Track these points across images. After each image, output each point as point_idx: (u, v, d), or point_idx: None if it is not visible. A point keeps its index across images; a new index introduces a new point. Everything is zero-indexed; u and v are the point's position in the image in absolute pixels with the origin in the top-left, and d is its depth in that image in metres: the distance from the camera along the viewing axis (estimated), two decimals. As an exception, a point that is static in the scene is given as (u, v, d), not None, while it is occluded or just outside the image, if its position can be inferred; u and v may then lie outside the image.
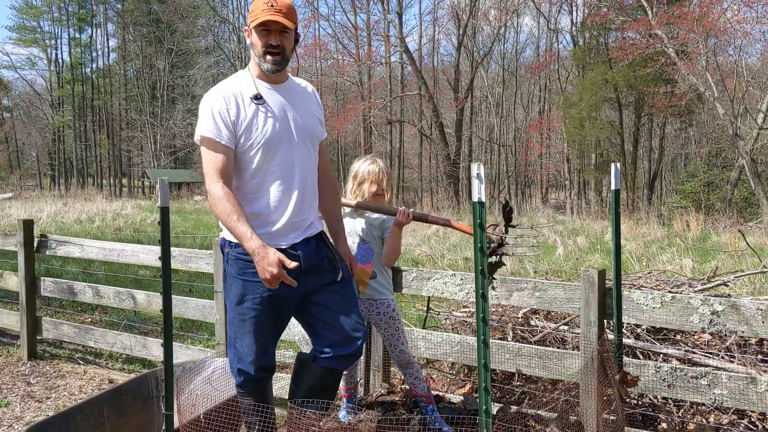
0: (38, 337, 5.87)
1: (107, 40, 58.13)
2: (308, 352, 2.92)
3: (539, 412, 3.60)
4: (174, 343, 5.35)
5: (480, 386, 1.99)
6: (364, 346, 2.87)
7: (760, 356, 3.91)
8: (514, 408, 3.64)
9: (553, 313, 4.51)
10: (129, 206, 26.34)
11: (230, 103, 2.73)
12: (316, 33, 41.97)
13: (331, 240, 3.05)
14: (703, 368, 3.43)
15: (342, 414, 3.32)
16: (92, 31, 57.51)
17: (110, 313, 7.16)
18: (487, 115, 46.32)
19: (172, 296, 5.31)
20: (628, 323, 3.69)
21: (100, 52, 58.76)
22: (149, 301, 5.28)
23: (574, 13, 35.66)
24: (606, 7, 31.22)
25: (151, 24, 51.02)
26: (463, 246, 14.01)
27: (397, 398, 3.57)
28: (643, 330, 4.17)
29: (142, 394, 3.39)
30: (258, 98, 2.75)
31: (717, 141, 32.72)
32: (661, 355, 4.01)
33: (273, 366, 2.89)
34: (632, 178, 30.61)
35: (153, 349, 5.24)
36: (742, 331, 3.20)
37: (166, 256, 2.58)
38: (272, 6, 2.70)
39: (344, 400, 3.45)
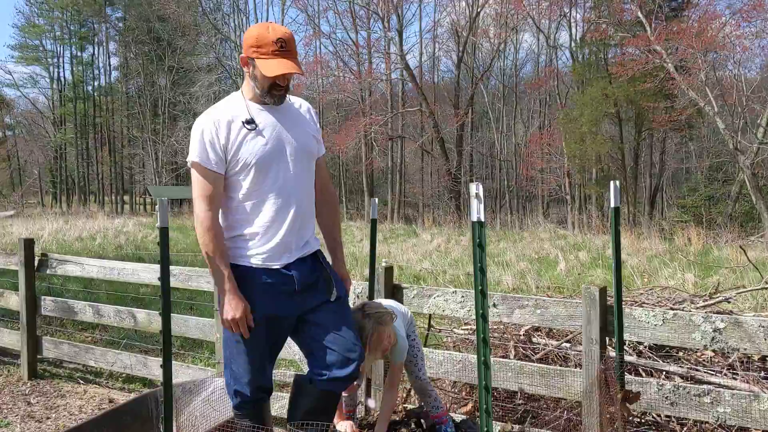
0: (38, 357, 5.85)
1: (109, 58, 58.37)
2: (305, 373, 2.90)
3: (542, 431, 3.58)
4: (174, 362, 5.34)
5: (481, 408, 1.98)
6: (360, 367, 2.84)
7: (763, 373, 3.89)
8: (516, 428, 3.62)
9: (555, 331, 4.49)
10: (130, 223, 26.33)
11: (220, 127, 2.73)
12: (317, 50, 42.19)
13: (330, 256, 3.05)
14: (706, 386, 3.42)
15: None
16: (94, 49, 57.78)
17: (110, 332, 7.14)
18: (488, 131, 46.44)
19: (173, 315, 5.31)
20: (630, 340, 3.68)
21: (101, 70, 58.94)
22: (150, 319, 5.27)
23: (573, 29, 35.83)
24: (605, 23, 31.38)
25: (152, 42, 51.23)
26: (465, 261, 14.00)
27: (397, 417, 3.55)
28: (645, 347, 4.15)
29: (141, 414, 3.37)
30: (250, 122, 2.75)
31: (717, 155, 32.76)
32: (664, 373, 3.99)
33: (270, 387, 2.87)
34: (633, 193, 30.60)
35: (153, 368, 5.22)
36: (745, 348, 3.19)
37: (165, 277, 2.57)
38: (282, 47, 2.67)
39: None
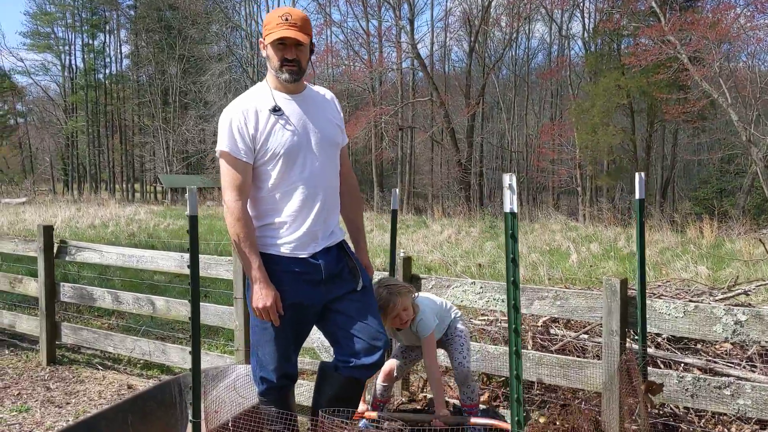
0: (57, 342, 5.91)
1: (120, 46, 58.58)
2: (330, 361, 2.93)
3: (564, 422, 3.60)
4: (188, 348, 5.39)
5: (512, 397, 1.99)
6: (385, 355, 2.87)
7: (782, 366, 3.89)
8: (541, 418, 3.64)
9: (573, 322, 4.50)
10: (142, 211, 26.47)
11: (249, 116, 2.76)
12: (328, 39, 42.14)
13: (352, 245, 3.07)
14: (726, 378, 3.42)
15: (362, 423, 3.33)
16: (105, 37, 58.01)
17: (126, 318, 7.20)
18: (498, 121, 46.30)
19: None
20: (649, 332, 3.67)
21: (112, 58, 59.17)
22: (168, 307, 5.30)
23: (586, 20, 35.61)
24: (618, 13, 31.17)
25: (163, 30, 51.33)
26: (476, 252, 14.01)
27: (418, 406, 3.57)
28: (664, 339, 4.15)
29: (165, 400, 3.41)
30: (276, 110, 2.77)
31: (730, 148, 32.57)
32: (682, 365, 4.00)
33: (295, 374, 2.91)
34: (645, 185, 30.45)
35: (172, 354, 5.27)
36: (766, 341, 3.19)
37: (194, 265, 2.60)
38: (287, 20, 2.73)
39: (371, 408, 3.45)
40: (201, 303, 5.31)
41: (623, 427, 3.32)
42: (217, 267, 5.03)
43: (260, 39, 2.84)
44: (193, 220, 2.52)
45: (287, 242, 2.79)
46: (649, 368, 3.54)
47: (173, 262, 5.23)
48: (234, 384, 3.45)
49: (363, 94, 41.41)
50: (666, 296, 4.49)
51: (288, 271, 2.77)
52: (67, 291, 5.86)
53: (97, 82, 57.31)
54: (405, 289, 3.29)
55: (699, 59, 26.54)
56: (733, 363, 3.90)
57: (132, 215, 23.98)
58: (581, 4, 35.41)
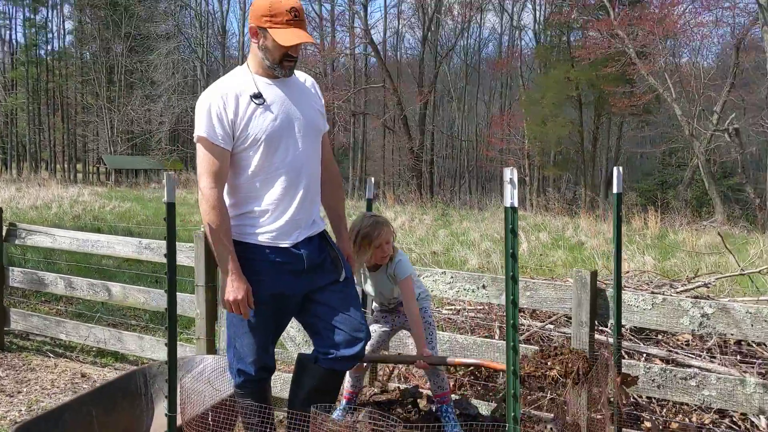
0: (5, 329, 5.69)
1: (63, 21, 56.53)
2: (308, 353, 2.87)
3: (536, 412, 3.63)
4: (147, 336, 5.26)
5: (508, 393, 1.98)
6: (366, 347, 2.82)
7: (739, 357, 4.02)
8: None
9: (537, 312, 4.55)
10: (86, 192, 25.72)
11: (228, 101, 2.65)
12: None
13: (334, 234, 3.01)
14: (692, 369, 3.50)
15: (336, 414, 3.28)
16: (48, 11, 55.90)
17: (75, 305, 6.97)
18: (449, 110, 46.55)
19: (151, 289, 5.20)
20: (613, 324, 3.73)
21: (55, 34, 57.13)
22: (125, 293, 5.15)
23: (537, 11, 36.03)
24: (569, 5, 31.63)
25: (109, 6, 49.72)
26: (430, 239, 14.08)
27: (392, 397, 3.55)
28: (627, 330, 4.24)
29: (130, 391, 3.31)
30: (258, 97, 2.67)
31: (673, 141, 33.49)
32: (644, 355, 4.09)
33: (273, 366, 2.84)
34: (591, 176, 31.14)
35: (128, 342, 5.12)
36: (732, 334, 3.27)
37: (171, 254, 2.51)
38: (296, 17, 2.62)
39: (343, 401, 3.39)
40: (157, 290, 5.19)
41: (591, 417, 3.37)
42: (177, 253, 4.89)
43: (254, 25, 2.67)
44: (171, 207, 2.43)
45: (268, 231, 2.70)
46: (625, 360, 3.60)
47: (131, 247, 5.07)
48: (204, 375, 3.37)
49: (315, 79, 41.01)
50: (629, 288, 4.58)
51: (269, 260, 2.69)
52: (17, 276, 5.64)
53: (38, 59, 55.23)
54: (385, 222, 3.22)
55: (646, 54, 27.20)
56: (693, 354, 4.01)
57: (75, 196, 23.26)
58: (533, -4, 35.82)
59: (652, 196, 30.61)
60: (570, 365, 2.59)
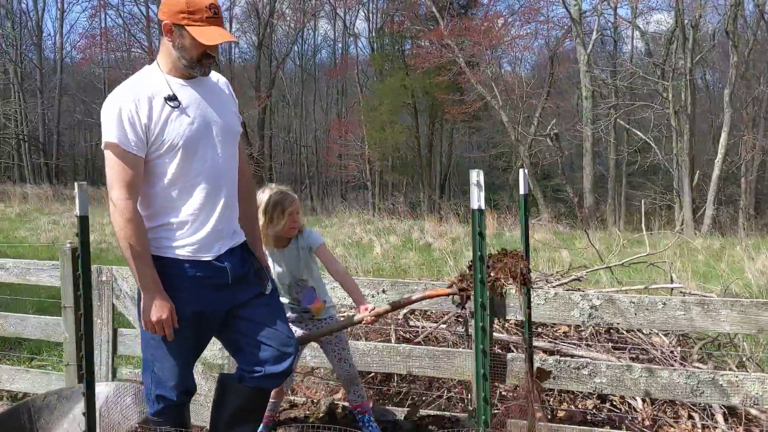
0: None
1: None
2: (229, 372, 2.73)
3: (453, 413, 3.71)
4: (4, 366, 4.74)
5: (478, 396, 2.02)
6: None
7: (610, 344, 4.36)
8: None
9: (428, 313, 4.65)
10: None
11: (140, 104, 2.47)
12: (102, 23, 39.24)
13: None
14: (584, 359, 3.75)
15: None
16: None
17: None
18: (287, 116, 46.29)
19: (7, 314, 4.70)
20: (508, 319, 3.91)
21: None
22: (-20, 320, 4.60)
23: (372, 19, 36.86)
24: (401, 15, 32.71)
25: None
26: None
27: (308, 412, 3.47)
28: (512, 324, 4.45)
29: (14, 428, 2.97)
30: (172, 99, 2.51)
31: (501, 146, 35.63)
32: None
33: (194, 388, 2.66)
34: (428, 180, 32.35)
35: (-13, 374, 4.59)
36: (618, 323, 3.55)
37: (86, 274, 2.27)
38: (215, 14, 2.49)
39: (261, 426, 3.23)
40: (15, 314, 4.70)
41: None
42: (38, 273, 4.46)
43: (168, 22, 2.49)
44: (84, 221, 2.20)
45: (188, 244, 2.53)
46: (513, 353, 3.78)
47: (-15, 268, 4.55)
48: (98, 404, 3.09)
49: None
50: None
51: (188, 275, 2.51)
52: None
53: None
54: (293, 195, 3.22)
55: (474, 64, 28.77)
56: (573, 344, 4.29)
57: None
58: (367, 4, 36.57)
59: (487, 197, 32.33)
60: (513, 269, 2.61)
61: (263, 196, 3.14)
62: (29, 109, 40.03)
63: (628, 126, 28.66)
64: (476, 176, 1.83)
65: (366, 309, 3.08)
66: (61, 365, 5.34)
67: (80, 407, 3.13)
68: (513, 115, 28.03)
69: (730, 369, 4.30)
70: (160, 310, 2.44)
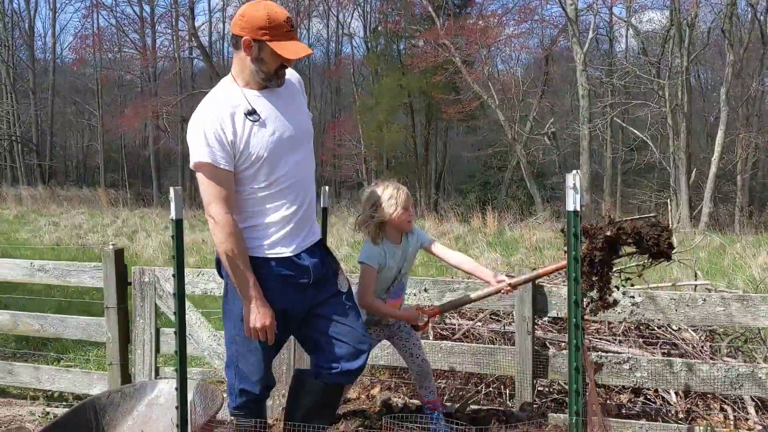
0: None
1: None
2: (305, 369, 2.82)
3: (507, 408, 3.80)
4: (44, 366, 4.80)
5: (570, 389, 2.10)
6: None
7: (641, 339, 4.46)
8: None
9: (462, 311, 4.73)
10: None
11: (225, 122, 2.57)
12: (95, 24, 39.15)
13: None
14: (624, 355, 3.85)
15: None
16: None
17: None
18: (281, 116, 46.26)
19: (47, 314, 4.77)
20: (550, 315, 4.00)
21: None
22: (15, 321, 4.66)
23: (367, 20, 36.90)
24: (397, 15, 32.78)
25: None
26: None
27: (363, 406, 3.55)
28: (544, 321, 4.54)
29: (81, 426, 3.04)
30: (252, 113, 2.60)
31: (493, 144, 35.79)
32: (563, 344, 4.41)
33: (274, 383, 2.77)
34: (425, 179, 32.46)
35: (21, 375, 4.66)
36: (658, 319, 3.65)
37: (180, 272, 2.35)
38: (292, 27, 2.59)
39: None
40: (54, 315, 4.76)
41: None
42: (79, 274, 4.52)
43: (249, 38, 2.56)
44: (179, 224, 2.28)
45: (274, 243, 2.65)
46: (552, 350, 3.88)
47: (21, 270, 4.60)
48: (161, 400, 3.17)
49: (141, 84, 39.10)
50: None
51: (275, 275, 2.63)
52: None
53: None
54: None
55: (471, 63, 28.88)
56: (606, 339, 4.39)
57: None
58: (362, 4, 36.58)
59: (477, 196, 32.43)
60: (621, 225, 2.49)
61: (380, 190, 3.21)
62: (22, 110, 39.89)
63: (624, 124, 28.85)
64: (572, 179, 1.91)
65: (500, 281, 3.16)
66: (89, 365, 5.43)
67: (143, 403, 3.21)
68: (509, 114, 28.17)
69: (758, 363, 4.41)
70: (263, 318, 2.56)
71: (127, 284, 4.36)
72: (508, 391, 4.20)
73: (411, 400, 3.92)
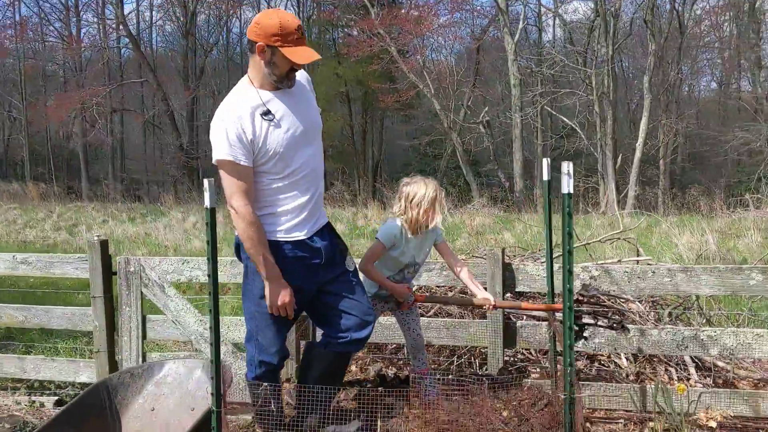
0: None
1: None
2: (314, 340, 3.11)
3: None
4: (29, 356, 4.88)
5: (565, 361, 2.45)
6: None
7: (593, 311, 4.89)
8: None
9: (435, 288, 5.06)
10: None
11: (244, 122, 2.85)
12: (16, 12, 37.66)
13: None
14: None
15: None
16: None
17: None
18: (214, 105, 45.65)
19: (32, 306, 4.87)
20: (519, 291, 4.38)
21: None
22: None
23: (302, 8, 36.77)
24: (332, 4, 32.85)
25: None
26: (230, 238, 14.01)
27: (359, 377, 3.84)
28: (517, 296, 4.91)
29: (96, 406, 3.24)
30: (267, 113, 2.88)
31: (428, 133, 36.40)
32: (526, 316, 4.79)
33: (288, 353, 3.06)
34: (363, 167, 32.77)
35: (5, 365, 4.74)
36: (613, 290, 4.07)
37: (214, 262, 2.56)
38: (302, 34, 2.85)
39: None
40: (38, 306, 4.85)
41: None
42: (63, 266, 4.63)
43: (262, 43, 2.83)
44: (212, 213, 2.51)
45: (290, 228, 2.94)
46: (525, 321, 4.27)
47: (2, 263, 4.69)
48: (169, 379, 3.39)
49: (67, 74, 37.86)
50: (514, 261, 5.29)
51: (290, 256, 2.92)
52: None
53: None
54: None
55: (405, 52, 29.27)
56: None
57: None
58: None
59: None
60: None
61: (420, 189, 3.45)
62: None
63: (553, 112, 29.84)
64: (567, 167, 2.26)
65: (487, 299, 3.56)
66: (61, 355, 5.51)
67: (152, 383, 3.42)
68: (444, 104, 28.75)
69: (700, 327, 4.92)
70: (283, 296, 2.88)
71: (112, 274, 4.50)
72: (477, 362, 4.58)
73: (401, 372, 4.24)
